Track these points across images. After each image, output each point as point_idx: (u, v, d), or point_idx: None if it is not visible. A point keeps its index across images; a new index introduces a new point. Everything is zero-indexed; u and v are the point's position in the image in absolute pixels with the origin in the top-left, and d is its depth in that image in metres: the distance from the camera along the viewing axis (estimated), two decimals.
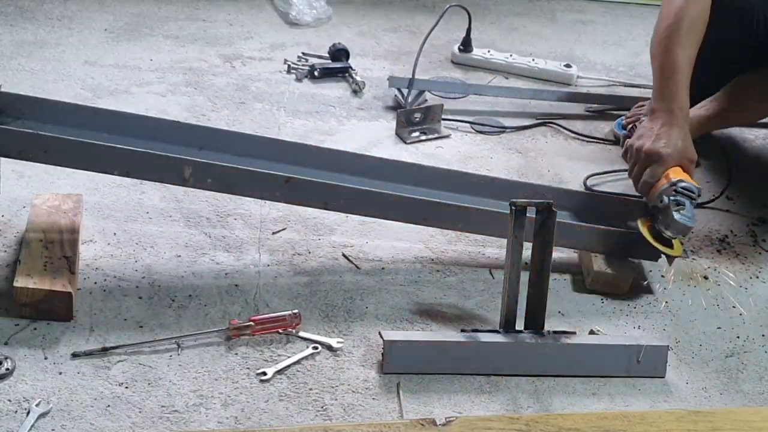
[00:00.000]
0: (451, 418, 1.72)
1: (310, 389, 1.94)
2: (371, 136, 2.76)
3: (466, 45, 3.16)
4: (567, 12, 3.62)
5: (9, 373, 1.88)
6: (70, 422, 1.81)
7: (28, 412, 1.81)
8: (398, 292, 2.20)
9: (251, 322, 2.03)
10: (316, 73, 2.98)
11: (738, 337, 2.18)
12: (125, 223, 2.31)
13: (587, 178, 2.65)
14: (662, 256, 2.26)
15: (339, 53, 3.06)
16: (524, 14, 3.57)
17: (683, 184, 2.22)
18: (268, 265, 2.24)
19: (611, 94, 3.06)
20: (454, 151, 2.74)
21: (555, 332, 2.05)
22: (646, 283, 2.28)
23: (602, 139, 2.86)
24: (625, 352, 2.04)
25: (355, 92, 2.95)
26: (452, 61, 3.17)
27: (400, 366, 1.99)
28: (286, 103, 2.87)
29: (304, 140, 2.59)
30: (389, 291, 2.20)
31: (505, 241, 2.04)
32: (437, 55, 3.18)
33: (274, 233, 2.34)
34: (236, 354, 1.99)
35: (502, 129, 2.86)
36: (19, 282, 2.00)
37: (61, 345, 1.96)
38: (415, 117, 2.78)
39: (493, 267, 2.30)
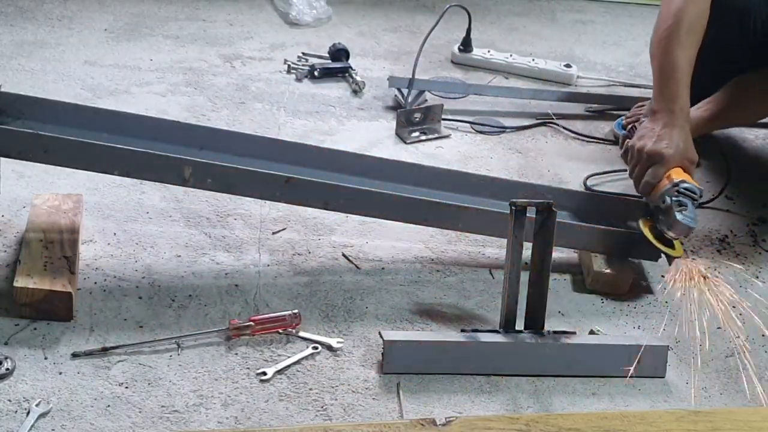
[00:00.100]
0: (451, 418, 1.72)
1: (310, 389, 1.94)
2: (371, 136, 2.76)
3: (466, 45, 3.16)
4: (567, 12, 3.62)
5: (9, 373, 1.88)
6: (70, 422, 1.81)
7: (28, 412, 1.81)
8: (398, 292, 2.20)
9: (251, 322, 2.03)
10: (316, 73, 2.98)
11: (738, 337, 2.18)
12: (125, 223, 2.31)
13: (587, 178, 2.65)
14: (662, 256, 2.26)
15: (339, 53, 3.06)
16: (524, 14, 3.57)
17: (685, 185, 2.22)
18: (268, 265, 2.24)
19: (611, 94, 3.06)
20: (454, 151, 2.74)
21: (555, 332, 2.05)
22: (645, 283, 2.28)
23: (602, 139, 2.86)
24: (625, 352, 2.04)
25: (355, 92, 2.95)
26: (452, 61, 3.17)
27: (400, 366, 1.99)
28: (286, 103, 2.87)
29: (304, 140, 2.59)
30: (389, 291, 2.20)
31: (505, 241, 2.04)
32: (437, 55, 3.18)
33: (274, 233, 2.34)
34: (236, 354, 1.99)
35: (502, 129, 2.86)
36: (19, 282, 2.00)
37: (61, 345, 1.96)
38: (415, 117, 2.78)
39: (493, 267, 2.30)
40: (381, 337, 2.00)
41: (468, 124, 2.85)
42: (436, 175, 2.35)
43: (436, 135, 2.78)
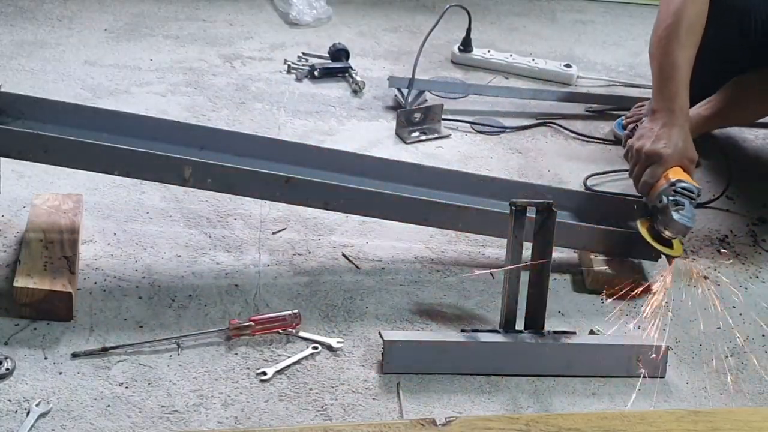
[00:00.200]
0: (451, 418, 1.72)
1: (310, 389, 1.94)
2: (371, 136, 2.76)
3: (466, 45, 3.16)
4: (567, 12, 3.62)
5: (9, 373, 1.88)
6: (70, 422, 1.81)
7: (28, 412, 1.81)
8: (398, 292, 2.20)
9: (251, 322, 2.03)
10: (316, 73, 2.98)
11: (738, 337, 2.18)
12: (125, 223, 2.31)
13: (587, 178, 2.65)
14: (662, 256, 2.26)
15: (339, 53, 3.06)
16: (524, 14, 3.57)
17: (682, 184, 2.22)
18: (268, 265, 2.24)
19: (611, 94, 3.06)
20: (454, 151, 2.74)
21: (555, 332, 2.05)
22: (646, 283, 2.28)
23: (602, 139, 2.86)
24: (625, 352, 2.04)
25: (355, 92, 2.95)
26: (452, 61, 3.17)
27: (400, 366, 1.99)
28: (286, 103, 2.87)
29: (304, 140, 2.59)
30: (389, 291, 2.20)
31: (505, 241, 2.04)
32: (437, 55, 3.18)
33: (274, 233, 2.34)
34: (236, 354, 1.99)
35: (502, 129, 2.86)
36: (19, 282, 2.00)
37: (61, 345, 1.96)
38: (415, 117, 2.78)
39: (493, 267, 2.30)
40: (381, 337, 2.00)
41: (468, 124, 2.85)
42: (436, 175, 2.35)
43: (436, 135, 2.78)
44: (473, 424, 1.74)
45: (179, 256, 2.23)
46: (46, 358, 1.93)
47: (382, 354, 1.99)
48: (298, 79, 2.98)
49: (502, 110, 2.95)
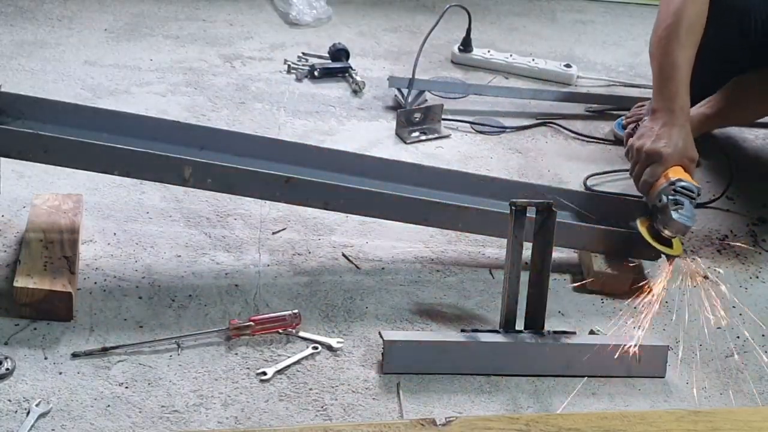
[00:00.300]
0: (451, 418, 1.72)
1: (310, 389, 1.94)
2: (371, 136, 2.76)
3: (466, 45, 3.16)
4: (567, 12, 3.62)
5: (9, 373, 1.88)
6: (70, 422, 1.81)
7: (28, 412, 1.81)
8: (398, 292, 2.20)
9: (251, 322, 2.03)
10: (316, 73, 2.98)
11: (738, 337, 2.18)
12: (125, 223, 2.31)
13: (587, 178, 2.65)
14: (662, 255, 2.26)
15: (339, 53, 3.06)
16: (524, 14, 3.57)
17: (682, 184, 2.22)
18: (268, 265, 2.24)
19: (611, 94, 3.06)
20: (454, 151, 2.74)
21: (555, 332, 2.05)
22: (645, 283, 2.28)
23: (602, 139, 2.86)
24: (625, 352, 2.03)
25: (355, 92, 2.95)
26: (452, 61, 3.17)
27: (400, 366, 1.99)
28: (286, 103, 2.87)
29: (304, 140, 2.59)
30: (389, 291, 2.20)
31: (505, 241, 2.04)
32: (437, 55, 3.18)
33: (274, 233, 2.34)
34: (236, 354, 1.99)
35: (502, 129, 2.86)
36: (19, 282, 2.00)
37: (61, 345, 1.96)
38: (415, 117, 2.78)
39: (493, 267, 2.30)
40: (381, 337, 2.00)
41: (468, 124, 2.85)
42: (436, 175, 2.35)
43: (436, 135, 2.78)
44: (473, 424, 1.73)
45: (179, 256, 2.23)
46: (46, 358, 1.93)
47: (382, 354, 1.99)
48: (298, 79, 2.98)
49: (502, 110, 2.95)
